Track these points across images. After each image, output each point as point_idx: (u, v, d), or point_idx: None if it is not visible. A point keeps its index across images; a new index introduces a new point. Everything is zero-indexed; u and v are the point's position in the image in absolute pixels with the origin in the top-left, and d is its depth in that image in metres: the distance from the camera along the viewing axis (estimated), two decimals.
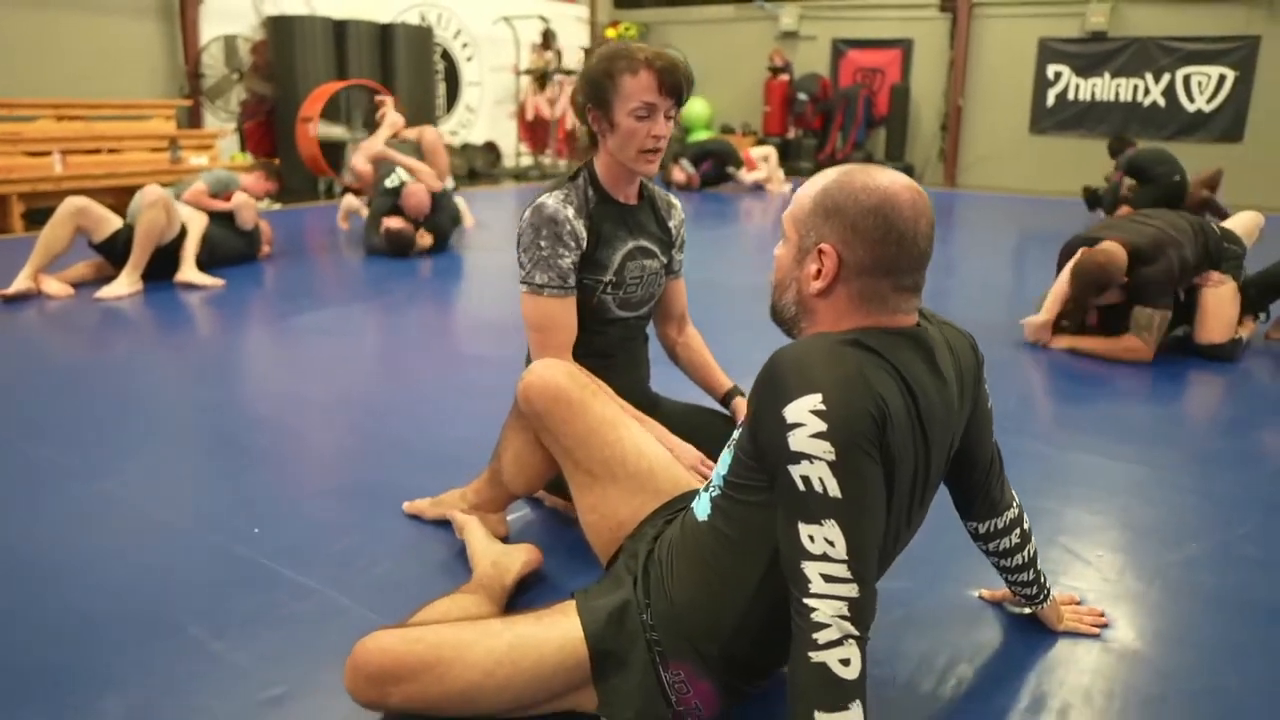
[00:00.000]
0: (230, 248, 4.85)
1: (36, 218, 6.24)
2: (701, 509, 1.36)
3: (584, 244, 1.87)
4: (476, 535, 1.86)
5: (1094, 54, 10.27)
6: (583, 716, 1.37)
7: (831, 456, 1.09)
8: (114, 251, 4.40)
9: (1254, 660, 1.63)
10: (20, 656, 1.56)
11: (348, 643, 1.37)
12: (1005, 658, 1.63)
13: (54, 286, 4.19)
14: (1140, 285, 3.40)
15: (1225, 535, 2.13)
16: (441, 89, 10.35)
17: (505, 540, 1.94)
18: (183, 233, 4.50)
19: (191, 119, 8.12)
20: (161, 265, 4.40)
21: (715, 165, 9.59)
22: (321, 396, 3.01)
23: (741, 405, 2.05)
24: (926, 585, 1.83)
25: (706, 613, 1.31)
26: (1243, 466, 2.59)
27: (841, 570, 1.09)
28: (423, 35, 9.67)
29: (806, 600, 1.10)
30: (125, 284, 4.24)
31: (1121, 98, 10.26)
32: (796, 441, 1.11)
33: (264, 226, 5.19)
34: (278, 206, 7.66)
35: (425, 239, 5.45)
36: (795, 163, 11.16)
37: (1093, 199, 7.89)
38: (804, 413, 1.10)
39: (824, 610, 1.08)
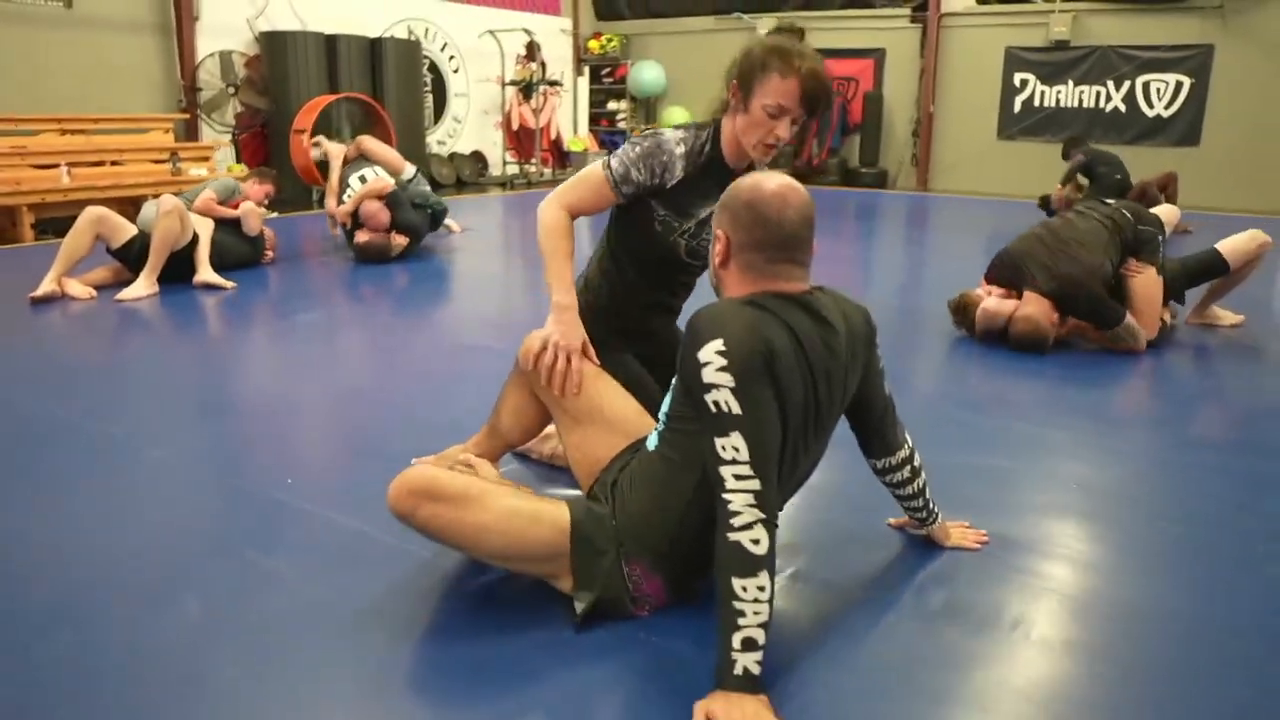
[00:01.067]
0: (237, 253, 5.15)
1: (45, 228, 6.54)
2: (652, 441, 1.75)
3: (665, 182, 2.09)
4: (486, 469, 2.20)
5: (1058, 62, 10.69)
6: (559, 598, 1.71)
7: (733, 384, 1.47)
8: (129, 257, 4.70)
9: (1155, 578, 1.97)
10: (116, 571, 1.88)
11: (372, 561, 1.70)
12: (906, 569, 1.97)
13: (76, 289, 4.49)
14: (1090, 315, 3.74)
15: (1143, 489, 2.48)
16: (429, 100, 10.66)
17: None
18: (195, 239, 4.80)
19: (189, 132, 8.42)
20: (176, 269, 4.71)
21: None
22: (336, 381, 3.33)
23: None
24: (846, 514, 2.18)
25: (658, 520, 1.67)
26: (1155, 429, 2.95)
27: (746, 470, 1.46)
28: (411, 49, 9.99)
29: (724, 495, 1.46)
30: (143, 286, 4.55)
31: (1085, 104, 10.68)
32: (707, 375, 1.48)
33: (268, 233, 5.49)
34: (274, 214, 7.97)
35: (399, 240, 5.65)
36: (774, 168, 11.49)
37: (1045, 206, 8.30)
38: (711, 353, 1.48)
39: (737, 501, 1.45)
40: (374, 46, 9.51)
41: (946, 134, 11.47)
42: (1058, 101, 10.79)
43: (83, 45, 7.64)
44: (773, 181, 1.63)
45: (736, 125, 2.05)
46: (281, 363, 3.71)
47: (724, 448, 1.47)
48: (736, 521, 1.44)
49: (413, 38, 10.27)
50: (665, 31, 12.92)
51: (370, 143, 6.13)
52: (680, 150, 2.08)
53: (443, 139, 11.05)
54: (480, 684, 1.53)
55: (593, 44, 12.80)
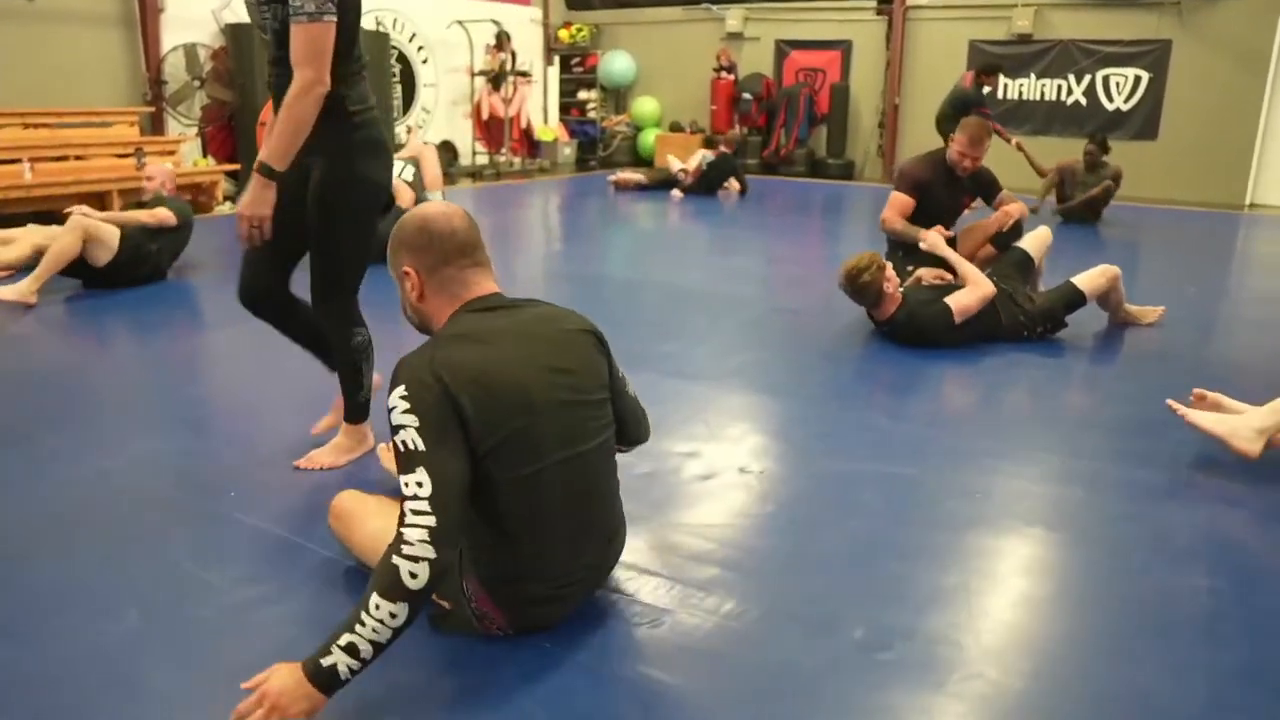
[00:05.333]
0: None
1: (6, 225, 6.55)
2: None
3: None
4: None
5: (1020, 55, 10.85)
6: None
7: (417, 423, 1.58)
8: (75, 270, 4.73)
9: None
10: (66, 574, 2.00)
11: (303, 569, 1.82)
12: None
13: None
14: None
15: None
16: (398, 91, 10.69)
17: None
18: (123, 251, 4.76)
19: (154, 125, 8.43)
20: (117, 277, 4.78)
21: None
22: (299, 387, 3.43)
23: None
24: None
25: (465, 536, 1.72)
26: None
27: (424, 505, 1.54)
28: (379, 39, 10.00)
29: (401, 527, 1.54)
30: (20, 291, 4.46)
31: (1046, 97, 10.85)
32: (395, 417, 1.60)
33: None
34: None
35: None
36: (742, 160, 11.62)
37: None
38: (396, 398, 1.61)
39: (411, 533, 1.52)
40: None
41: (912, 126, 11.60)
42: (1020, 94, 10.95)
43: (45, 38, 7.63)
44: (430, 208, 1.82)
45: None
46: (239, 368, 3.80)
47: (407, 484, 1.56)
48: (405, 550, 1.51)
49: (380, 28, 10.28)
50: (635, 22, 12.97)
51: (430, 154, 6.47)
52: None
53: (411, 128, 11.07)
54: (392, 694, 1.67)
55: (563, 34, 12.83)
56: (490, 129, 11.77)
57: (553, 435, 1.72)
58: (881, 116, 11.75)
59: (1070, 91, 10.71)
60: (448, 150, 11.44)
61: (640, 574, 2.08)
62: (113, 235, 4.70)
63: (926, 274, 4.21)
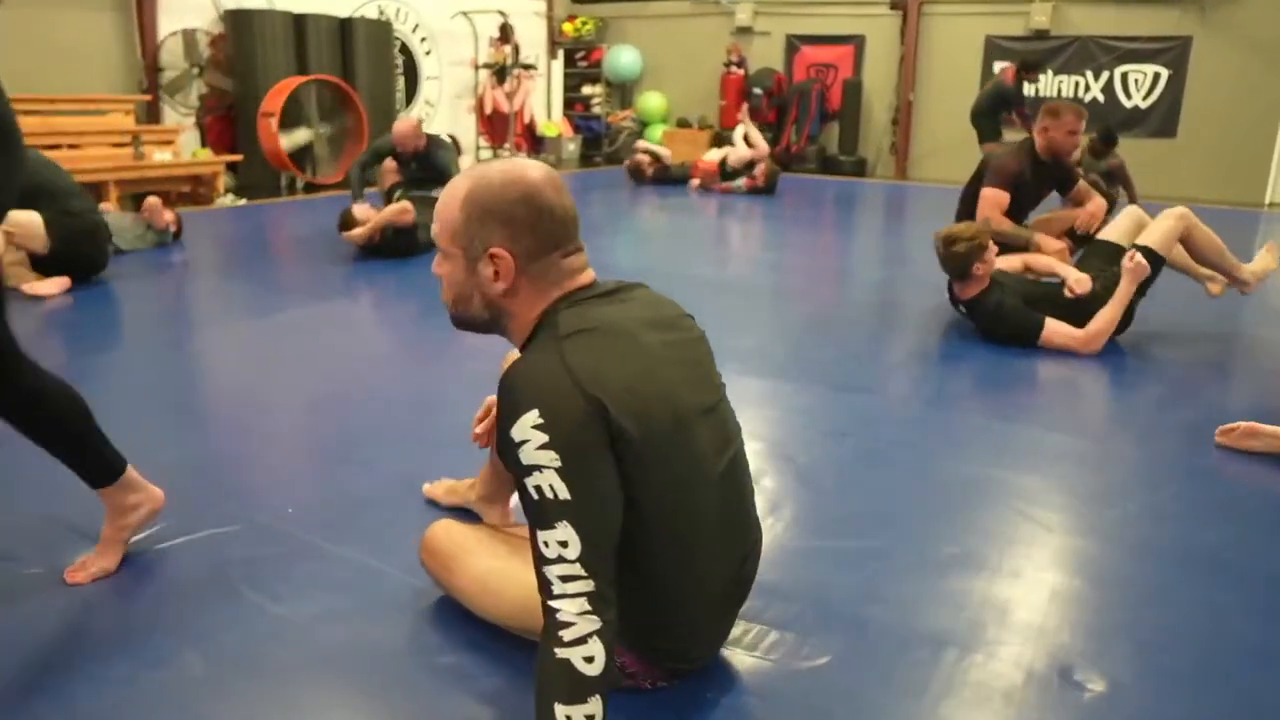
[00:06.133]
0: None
1: None
2: None
3: None
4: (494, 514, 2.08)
5: (1038, 51, 10.60)
6: None
7: (558, 463, 1.21)
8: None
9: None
10: (112, 618, 1.69)
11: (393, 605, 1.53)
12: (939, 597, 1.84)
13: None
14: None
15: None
16: (401, 83, 10.36)
17: None
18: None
19: (150, 114, 8.07)
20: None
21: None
22: (321, 387, 3.13)
23: None
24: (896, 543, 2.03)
25: None
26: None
27: (576, 570, 1.20)
28: (382, 29, 9.69)
29: (550, 602, 1.21)
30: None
31: (1064, 93, 10.63)
32: (527, 455, 1.22)
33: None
34: (243, 202, 7.69)
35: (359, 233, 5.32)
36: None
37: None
38: (527, 429, 1.21)
39: (567, 609, 1.20)
40: (344, 26, 9.20)
41: (926, 122, 11.38)
42: (1036, 91, 10.73)
43: (35, 22, 7.27)
44: (530, 168, 1.37)
45: None
46: (265, 365, 3.50)
47: (546, 543, 1.22)
48: (566, 635, 1.19)
49: (383, 18, 9.96)
50: (642, 15, 12.69)
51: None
52: None
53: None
54: None
55: (567, 27, 12.53)
56: (494, 123, 11.46)
57: (708, 449, 1.41)
58: (895, 113, 11.51)
59: (1088, 88, 10.51)
60: (451, 144, 11.13)
61: (782, 599, 1.79)
62: (33, 222, 4.31)
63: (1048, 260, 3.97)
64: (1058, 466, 2.57)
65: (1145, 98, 10.30)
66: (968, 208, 4.28)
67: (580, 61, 12.82)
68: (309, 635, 1.66)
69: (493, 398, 1.69)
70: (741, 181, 9.10)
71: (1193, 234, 3.71)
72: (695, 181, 9.31)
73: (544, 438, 1.21)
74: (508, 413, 1.25)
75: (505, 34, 11.07)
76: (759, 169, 9.08)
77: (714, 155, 9.36)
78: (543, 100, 12.38)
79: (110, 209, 5.67)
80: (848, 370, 3.48)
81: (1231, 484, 2.50)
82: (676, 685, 1.52)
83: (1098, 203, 4.30)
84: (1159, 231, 3.68)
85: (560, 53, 12.64)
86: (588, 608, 1.20)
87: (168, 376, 3.29)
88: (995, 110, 8.25)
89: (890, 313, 4.49)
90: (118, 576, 1.84)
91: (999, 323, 3.65)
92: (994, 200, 4.16)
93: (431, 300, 4.60)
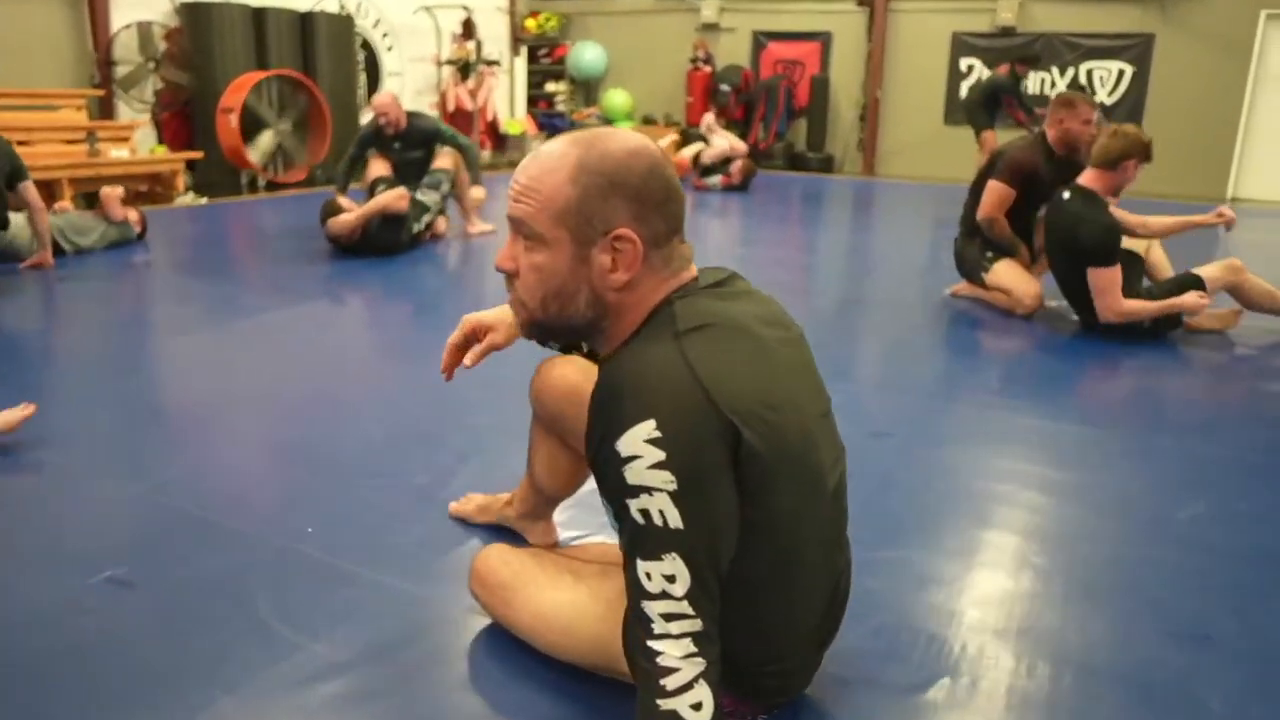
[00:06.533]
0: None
1: None
2: None
3: None
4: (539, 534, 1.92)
5: (1003, 48, 10.67)
6: None
7: (674, 485, 1.02)
8: None
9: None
10: (133, 664, 1.50)
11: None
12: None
13: None
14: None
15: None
16: (363, 79, 10.08)
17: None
18: None
19: (103, 109, 7.73)
20: None
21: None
22: (342, 390, 2.93)
23: None
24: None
25: None
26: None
27: (683, 608, 1.03)
28: (343, 24, 9.42)
29: (650, 643, 1.04)
30: None
31: (1030, 90, 10.68)
32: (634, 474, 1.02)
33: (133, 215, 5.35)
34: (204, 201, 7.39)
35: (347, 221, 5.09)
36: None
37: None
38: (638, 443, 1.02)
39: (670, 653, 1.03)
40: (304, 21, 8.91)
41: (893, 119, 11.38)
42: (1026, 87, 10.78)
43: None
44: (635, 135, 1.15)
45: None
46: (254, 372, 3.28)
47: (648, 575, 1.04)
48: (670, 683, 1.03)
49: (345, 12, 9.68)
50: (606, 11, 12.53)
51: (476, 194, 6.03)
52: None
53: None
54: None
55: (530, 23, 12.33)
56: (457, 121, 11.20)
57: (825, 462, 1.24)
58: (862, 109, 11.49)
59: (1054, 84, 10.56)
60: None
61: (893, 628, 1.66)
62: None
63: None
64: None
65: (1110, 94, 10.39)
66: (976, 198, 4.20)
67: (543, 58, 12.62)
68: (358, 675, 1.49)
69: (474, 317, 1.49)
70: (718, 179, 8.99)
71: (1242, 285, 3.77)
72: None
73: (659, 455, 1.02)
74: (610, 419, 1.05)
75: (468, 30, 10.85)
76: (735, 166, 8.98)
77: (688, 152, 9.23)
78: (506, 97, 12.16)
79: (66, 208, 5.38)
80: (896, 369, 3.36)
81: None
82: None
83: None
84: (1210, 273, 3.72)
85: (523, 49, 12.43)
86: (693, 649, 1.04)
87: (147, 386, 3.07)
88: (987, 103, 8.28)
89: (883, 308, 4.40)
90: (133, 613, 1.65)
91: (1098, 228, 3.55)
92: (1000, 195, 4.07)
93: (423, 299, 4.46)
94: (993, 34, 10.69)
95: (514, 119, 12.20)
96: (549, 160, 1.13)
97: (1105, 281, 3.57)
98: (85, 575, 1.75)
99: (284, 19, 8.68)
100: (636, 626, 1.06)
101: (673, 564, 1.03)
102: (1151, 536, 2.07)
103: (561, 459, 1.73)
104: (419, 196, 5.43)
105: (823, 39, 11.57)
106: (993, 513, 2.18)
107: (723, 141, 9.10)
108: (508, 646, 1.54)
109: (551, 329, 1.20)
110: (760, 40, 11.89)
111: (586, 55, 12.37)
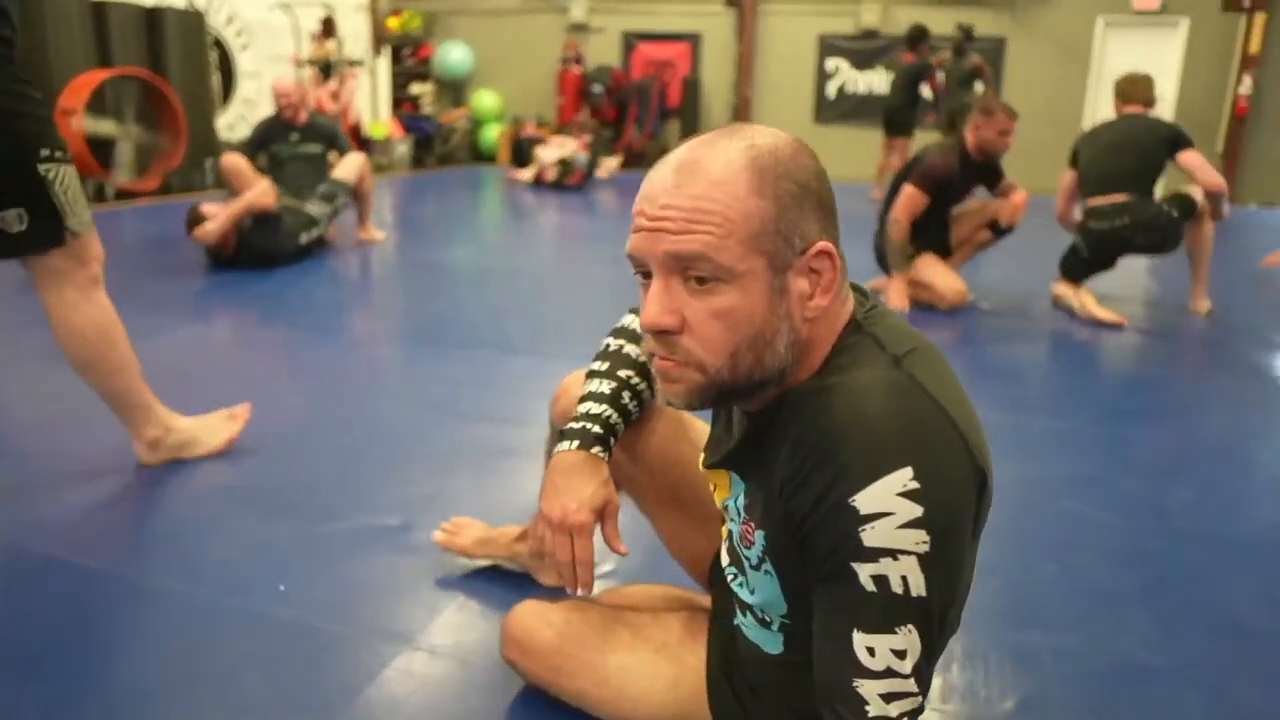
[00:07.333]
0: None
1: None
2: (768, 641, 1.10)
3: None
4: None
5: (868, 50, 11.01)
6: None
7: (926, 548, 0.82)
8: None
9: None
10: None
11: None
12: None
13: None
14: None
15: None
16: (216, 80, 9.44)
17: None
18: None
19: None
20: None
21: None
22: (277, 420, 2.62)
23: None
24: None
25: None
26: None
27: (909, 686, 0.86)
28: (193, 21, 8.79)
29: None
30: None
31: None
32: (879, 535, 0.82)
33: None
34: None
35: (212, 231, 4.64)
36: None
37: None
38: (890, 497, 0.82)
39: None
40: (150, 17, 8.26)
41: (765, 119, 11.53)
42: (870, 88, 11.11)
43: None
44: (772, 130, 0.94)
45: None
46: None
47: (872, 651, 0.84)
48: None
49: (193, 9, 9.03)
50: (470, 11, 12.22)
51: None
52: None
53: (233, 123, 9.82)
54: None
55: (392, 22, 11.87)
56: None
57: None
58: (734, 110, 11.61)
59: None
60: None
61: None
62: None
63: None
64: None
65: (969, 95, 10.84)
66: (891, 200, 4.22)
67: (408, 59, 12.19)
68: None
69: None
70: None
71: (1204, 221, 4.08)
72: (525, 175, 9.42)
73: (915, 511, 0.81)
74: (844, 469, 0.83)
75: (328, 28, 10.33)
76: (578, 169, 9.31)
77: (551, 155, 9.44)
78: (369, 99, 11.66)
79: None
80: None
81: None
82: None
83: (1021, 195, 4.34)
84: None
85: (386, 49, 11.96)
86: None
87: (18, 424, 2.68)
88: (910, 94, 8.39)
89: None
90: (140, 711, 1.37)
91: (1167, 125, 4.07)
92: (912, 200, 4.10)
93: (318, 315, 4.11)
94: (857, 36, 11.00)
95: (378, 121, 11.71)
96: (712, 169, 0.87)
97: (1204, 165, 3.86)
98: None
99: (128, 14, 8.03)
100: (839, 705, 0.87)
101: (906, 637, 0.84)
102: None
103: None
104: (308, 208, 5.07)
105: (692, 40, 11.63)
106: None
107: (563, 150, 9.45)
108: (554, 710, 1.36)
109: (737, 390, 0.92)
110: (630, 41, 11.85)
111: (453, 55, 12.03)
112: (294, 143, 5.45)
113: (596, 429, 1.21)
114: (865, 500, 0.82)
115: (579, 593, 1.18)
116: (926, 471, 0.82)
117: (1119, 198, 3.95)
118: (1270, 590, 1.84)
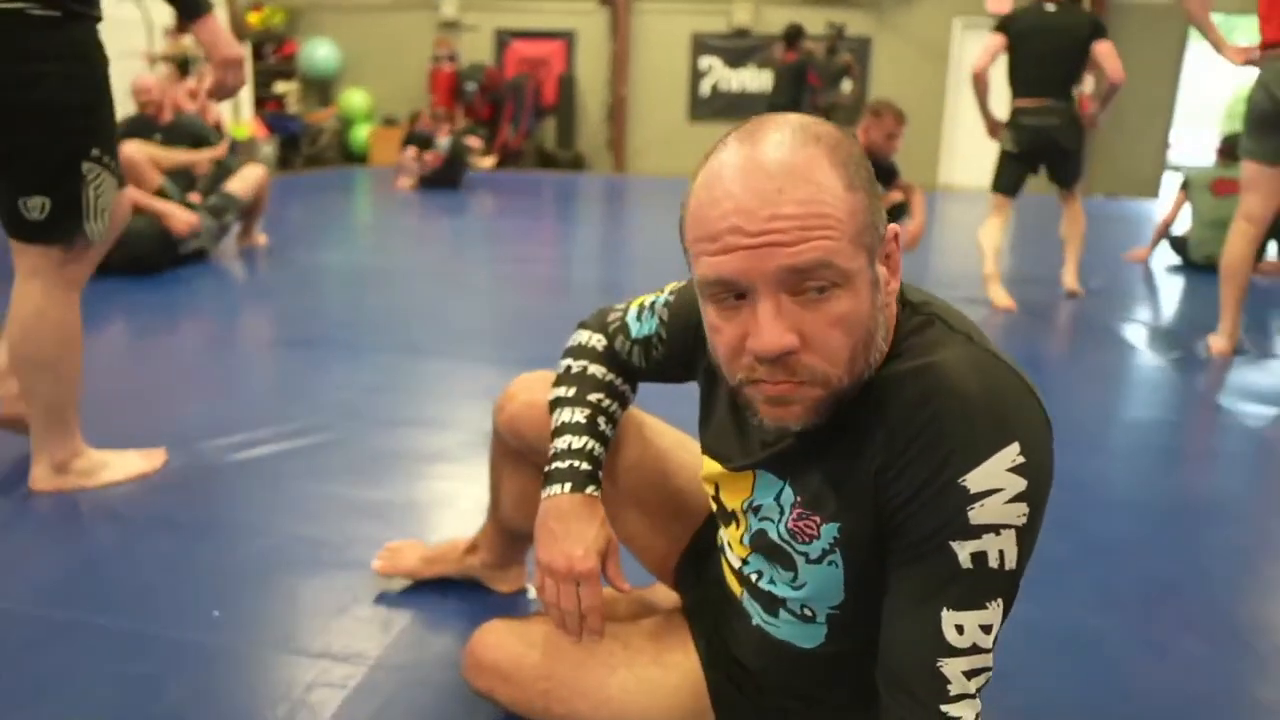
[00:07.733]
0: None
1: None
2: (804, 635, 1.05)
3: None
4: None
5: (740, 48, 11.21)
6: None
7: (1024, 520, 0.82)
8: None
9: None
10: None
11: None
12: None
13: None
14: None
15: None
16: None
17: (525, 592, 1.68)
18: None
19: None
20: None
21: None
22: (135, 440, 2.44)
23: None
24: None
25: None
26: None
27: (986, 661, 0.84)
28: None
29: (943, 707, 0.83)
30: None
31: (767, 89, 11.29)
32: (990, 511, 0.81)
33: None
34: None
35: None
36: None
37: None
38: (1001, 472, 0.81)
39: (968, 717, 0.84)
40: None
41: (640, 117, 11.62)
42: (743, 86, 11.32)
43: None
44: (802, 115, 0.89)
45: None
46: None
47: (960, 628, 0.83)
48: None
49: None
50: (336, 6, 11.83)
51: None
52: None
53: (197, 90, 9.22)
54: None
55: (253, 17, 11.35)
56: None
57: None
58: (609, 108, 11.63)
59: None
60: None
61: None
62: None
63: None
64: None
65: (837, 93, 11.18)
66: None
67: (270, 55, 11.70)
68: None
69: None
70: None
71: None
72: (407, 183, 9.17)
73: (1021, 485, 0.81)
74: (954, 449, 0.81)
75: (183, 23, 9.80)
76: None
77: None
78: (230, 98, 11.14)
79: None
80: None
81: None
82: None
83: (917, 223, 4.42)
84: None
85: (246, 45, 11.43)
86: (979, 705, 0.85)
87: None
88: (796, 90, 8.48)
89: None
90: None
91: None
92: None
93: (210, 323, 3.88)
94: (729, 35, 11.18)
95: (241, 122, 11.18)
96: (806, 169, 0.80)
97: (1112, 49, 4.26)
98: None
99: None
100: (917, 688, 0.84)
101: (994, 611, 0.83)
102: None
103: (535, 491, 1.48)
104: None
105: (567, 38, 11.59)
106: None
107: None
108: None
109: (847, 394, 0.87)
110: (504, 38, 11.72)
111: (319, 53, 11.62)
112: (158, 143, 5.15)
113: (585, 466, 1.14)
114: (977, 478, 0.81)
115: (585, 640, 1.13)
116: (1029, 445, 0.82)
117: (1046, 101, 4.40)
118: (1189, 549, 1.95)
